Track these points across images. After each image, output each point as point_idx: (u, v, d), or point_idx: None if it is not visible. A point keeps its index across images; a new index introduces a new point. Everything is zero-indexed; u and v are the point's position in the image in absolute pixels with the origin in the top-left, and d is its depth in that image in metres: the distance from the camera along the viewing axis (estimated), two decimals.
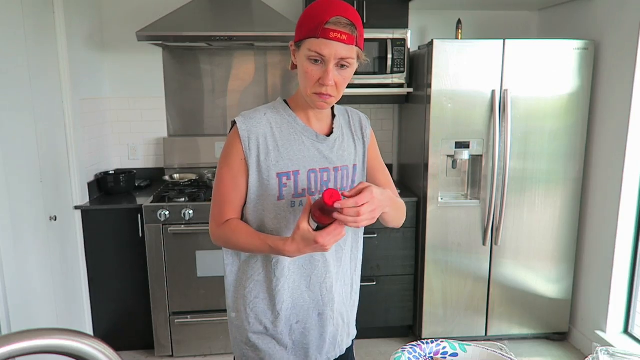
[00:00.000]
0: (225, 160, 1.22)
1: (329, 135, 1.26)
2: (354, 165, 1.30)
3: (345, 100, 3.03)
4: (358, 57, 1.15)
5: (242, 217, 1.26)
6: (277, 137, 1.20)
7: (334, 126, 1.28)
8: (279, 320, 1.26)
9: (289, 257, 1.15)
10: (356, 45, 1.11)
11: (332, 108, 1.32)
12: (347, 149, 1.28)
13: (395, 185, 3.03)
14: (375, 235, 2.79)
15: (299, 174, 1.20)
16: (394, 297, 2.89)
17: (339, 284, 1.32)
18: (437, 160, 2.70)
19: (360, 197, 1.03)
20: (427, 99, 2.67)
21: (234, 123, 1.21)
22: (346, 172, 1.27)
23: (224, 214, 1.24)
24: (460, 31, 2.98)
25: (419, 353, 0.98)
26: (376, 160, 1.38)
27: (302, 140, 1.22)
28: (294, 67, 1.21)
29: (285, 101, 1.27)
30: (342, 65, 1.12)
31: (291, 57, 1.21)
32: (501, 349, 0.97)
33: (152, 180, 3.22)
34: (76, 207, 2.65)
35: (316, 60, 1.10)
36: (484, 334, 2.90)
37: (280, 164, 1.19)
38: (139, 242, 2.69)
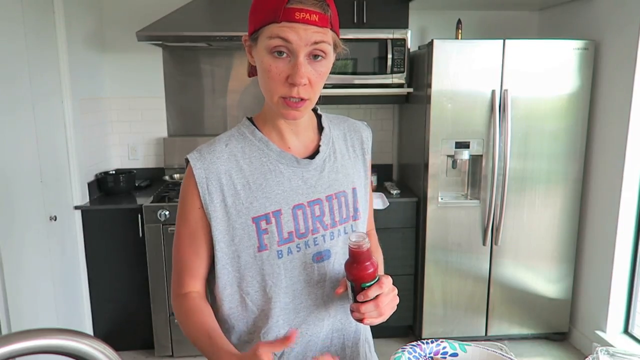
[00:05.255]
0: (181, 213, 0.97)
1: (314, 155, 0.99)
2: (354, 189, 1.02)
3: (346, 101, 3.02)
4: (335, 46, 0.89)
5: (218, 279, 0.97)
6: (246, 171, 0.94)
7: (321, 143, 1.00)
8: None
9: None
10: (331, 29, 0.86)
11: (320, 118, 1.04)
12: (341, 169, 1.01)
13: (396, 186, 3.06)
14: None
15: (281, 214, 0.93)
16: None
17: (358, 342, 1.07)
18: (437, 160, 2.69)
19: (372, 289, 0.88)
20: (427, 99, 2.67)
21: (187, 161, 0.94)
22: (344, 200, 1.00)
23: (182, 283, 0.98)
24: (460, 31, 2.98)
25: (419, 353, 0.97)
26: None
27: (279, 170, 0.95)
28: (253, 71, 0.94)
29: (252, 120, 1.00)
30: (316, 56, 0.85)
31: (247, 57, 0.94)
32: (501, 349, 0.97)
33: (152, 180, 3.22)
34: (76, 207, 2.66)
35: (280, 53, 0.84)
36: (484, 334, 2.90)
37: (255, 206, 0.92)
38: (139, 242, 2.69)
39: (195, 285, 0.99)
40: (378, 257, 1.11)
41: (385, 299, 0.89)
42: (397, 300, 0.93)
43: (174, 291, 1.01)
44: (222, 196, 0.92)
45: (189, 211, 0.95)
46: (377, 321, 0.91)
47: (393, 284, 0.97)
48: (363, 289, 0.89)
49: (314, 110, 1.05)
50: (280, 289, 0.95)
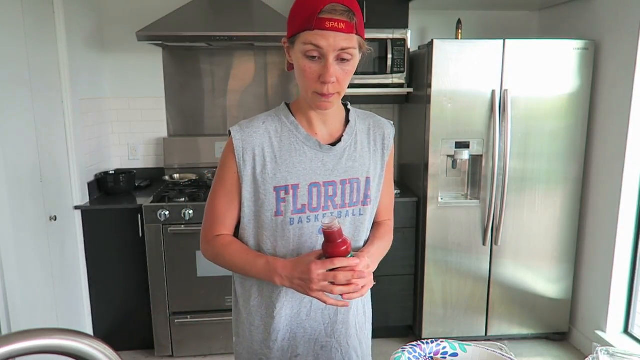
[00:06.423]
0: (219, 174, 1.14)
1: (337, 142, 1.13)
2: (367, 178, 1.14)
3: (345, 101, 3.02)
4: (360, 47, 1.03)
5: (239, 237, 1.18)
6: (276, 147, 1.09)
7: (344, 133, 1.14)
8: (273, 352, 1.15)
9: (277, 283, 1.06)
10: (357, 34, 1.00)
11: (348, 112, 1.18)
12: (358, 159, 1.14)
13: (395, 185, 3.05)
14: None
15: (298, 187, 1.09)
16: (394, 297, 2.89)
17: (350, 312, 1.19)
18: (437, 160, 2.69)
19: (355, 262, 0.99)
20: (427, 99, 2.67)
21: (230, 133, 1.12)
22: (357, 186, 1.13)
23: (214, 231, 1.16)
24: (460, 31, 2.98)
25: (419, 353, 0.98)
26: (386, 180, 1.23)
27: (303, 150, 1.10)
28: (291, 67, 1.09)
29: (288, 105, 1.16)
30: (343, 59, 1.00)
31: (286, 56, 1.09)
32: (501, 349, 0.97)
33: (152, 180, 3.22)
34: (76, 207, 2.65)
35: (313, 57, 0.99)
36: (484, 334, 2.90)
37: (278, 177, 1.08)
38: (139, 242, 2.69)
39: (227, 233, 1.16)
40: (383, 244, 1.22)
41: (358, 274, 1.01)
42: (371, 278, 1.04)
43: (204, 238, 1.18)
44: (253, 164, 1.09)
45: (227, 174, 1.11)
46: (355, 296, 1.01)
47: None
48: None
49: (345, 104, 1.19)
50: (288, 250, 1.11)
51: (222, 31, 2.63)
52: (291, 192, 1.08)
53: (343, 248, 0.99)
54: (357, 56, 1.03)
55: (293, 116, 1.12)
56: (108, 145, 3.17)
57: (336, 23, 0.96)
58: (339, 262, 0.98)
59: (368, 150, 1.16)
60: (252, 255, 1.11)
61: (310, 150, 1.10)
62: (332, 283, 0.99)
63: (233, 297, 1.24)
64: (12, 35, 2.11)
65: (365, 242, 1.20)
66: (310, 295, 1.01)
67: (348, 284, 0.99)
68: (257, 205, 1.10)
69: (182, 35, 2.65)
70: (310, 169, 1.09)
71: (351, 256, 1.01)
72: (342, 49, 0.98)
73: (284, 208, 1.09)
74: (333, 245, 0.99)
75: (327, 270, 0.99)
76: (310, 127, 1.12)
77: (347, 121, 1.16)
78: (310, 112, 1.11)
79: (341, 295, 1.00)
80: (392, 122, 1.24)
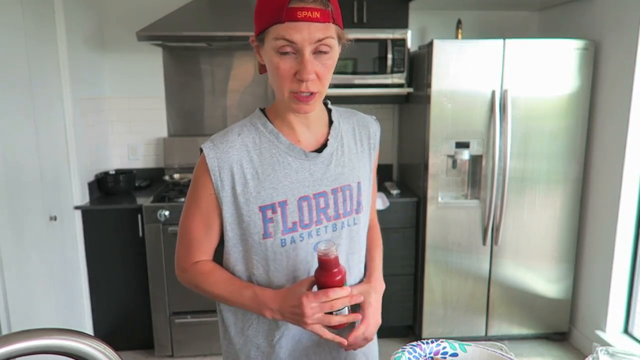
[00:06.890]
0: (192, 196, 1.01)
1: (323, 147, 1.02)
2: (359, 183, 1.05)
3: (346, 101, 3.03)
4: (339, 38, 0.92)
5: (223, 263, 1.06)
6: (256, 161, 0.97)
7: (329, 137, 1.03)
8: None
9: (268, 316, 0.96)
10: (333, 22, 0.89)
11: (330, 112, 1.07)
12: (347, 163, 1.04)
13: (396, 186, 3.05)
14: None
15: (286, 204, 0.97)
16: (394, 297, 2.89)
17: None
18: (437, 160, 2.69)
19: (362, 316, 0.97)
20: (427, 99, 2.67)
21: (201, 151, 0.99)
22: (349, 193, 1.03)
23: (191, 257, 1.05)
24: (460, 31, 2.98)
25: (418, 353, 0.97)
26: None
27: (287, 162, 0.98)
28: (263, 68, 0.97)
29: (264, 111, 1.03)
30: (321, 52, 0.88)
31: (256, 56, 0.97)
32: (501, 349, 0.97)
33: (152, 180, 3.22)
34: (76, 207, 2.65)
35: (285, 53, 0.87)
36: (484, 334, 2.90)
37: (262, 195, 0.96)
38: (139, 242, 2.69)
39: (205, 258, 1.07)
40: (379, 255, 1.16)
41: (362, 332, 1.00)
42: (378, 321, 1.04)
43: (179, 265, 1.08)
44: (232, 184, 0.97)
45: (202, 197, 0.99)
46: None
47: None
48: None
49: (325, 104, 1.08)
50: (282, 274, 1.00)
51: (222, 31, 2.63)
52: (279, 210, 0.97)
53: (337, 278, 0.91)
54: (337, 48, 0.92)
55: (271, 123, 1.00)
56: (108, 145, 3.17)
57: (309, 12, 0.84)
58: (333, 294, 0.90)
59: (356, 152, 1.06)
60: (237, 286, 1.00)
61: (295, 160, 0.98)
62: (329, 313, 0.92)
63: (220, 327, 1.11)
64: (12, 35, 2.11)
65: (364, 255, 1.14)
66: (306, 329, 0.93)
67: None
68: (241, 228, 0.99)
69: (182, 35, 2.65)
70: (297, 182, 0.98)
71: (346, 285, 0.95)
72: (319, 41, 0.86)
73: (272, 229, 0.97)
74: (327, 274, 0.91)
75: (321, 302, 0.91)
76: (292, 134, 1.00)
77: (331, 122, 1.06)
78: (290, 117, 0.99)
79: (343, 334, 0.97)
80: (374, 117, 1.15)
